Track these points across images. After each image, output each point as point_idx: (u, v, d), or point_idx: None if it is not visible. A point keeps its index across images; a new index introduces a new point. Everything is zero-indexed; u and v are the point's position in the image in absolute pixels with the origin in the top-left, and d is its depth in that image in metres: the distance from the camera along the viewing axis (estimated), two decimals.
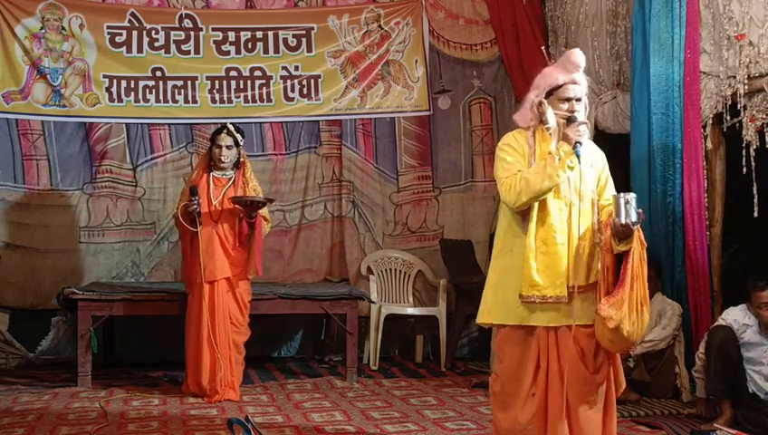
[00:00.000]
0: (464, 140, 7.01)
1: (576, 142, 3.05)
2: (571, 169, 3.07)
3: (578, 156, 3.04)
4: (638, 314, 3.00)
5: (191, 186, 5.12)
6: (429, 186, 6.97)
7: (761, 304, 4.30)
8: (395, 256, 6.80)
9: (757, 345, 4.36)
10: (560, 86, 3.14)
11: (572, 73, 3.15)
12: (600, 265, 3.09)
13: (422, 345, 6.67)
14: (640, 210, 3.01)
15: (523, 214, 3.16)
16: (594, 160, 3.25)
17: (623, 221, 2.95)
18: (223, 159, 5.18)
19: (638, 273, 3.01)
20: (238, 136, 5.24)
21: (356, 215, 6.84)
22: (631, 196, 3.00)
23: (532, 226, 3.11)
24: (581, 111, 3.15)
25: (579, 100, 3.14)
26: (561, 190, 3.13)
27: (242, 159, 5.30)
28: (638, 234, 3.02)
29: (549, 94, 3.16)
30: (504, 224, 3.27)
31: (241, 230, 5.16)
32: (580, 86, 3.16)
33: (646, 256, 3.07)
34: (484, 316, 3.30)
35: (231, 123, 5.33)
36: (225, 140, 5.19)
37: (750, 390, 4.37)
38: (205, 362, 4.99)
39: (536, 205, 3.11)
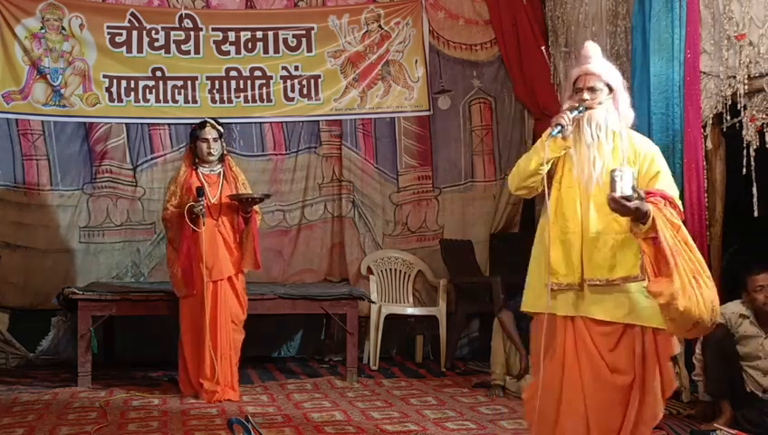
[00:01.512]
0: (464, 139, 7.00)
1: (557, 125, 3.17)
2: (555, 151, 3.20)
3: (553, 136, 3.17)
4: (693, 288, 2.88)
5: (197, 187, 5.08)
6: (429, 186, 6.97)
7: (756, 288, 4.30)
8: (395, 256, 6.80)
9: (753, 338, 4.36)
10: (576, 79, 3.33)
11: (583, 65, 3.31)
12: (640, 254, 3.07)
13: (422, 345, 6.66)
14: (634, 184, 2.96)
15: (541, 200, 3.29)
16: (629, 153, 3.22)
17: (617, 194, 2.91)
18: (212, 151, 5.19)
19: (675, 248, 2.92)
20: (220, 129, 5.27)
21: (356, 215, 6.84)
22: (626, 169, 2.99)
23: (552, 213, 3.23)
24: (597, 98, 3.24)
25: (591, 89, 3.24)
26: (572, 179, 3.22)
27: (224, 153, 5.32)
28: (661, 213, 2.96)
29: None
30: (543, 212, 3.39)
31: (238, 226, 5.18)
32: (593, 75, 3.27)
33: (685, 234, 3.00)
34: (525, 305, 3.37)
35: (209, 119, 5.34)
36: (211, 132, 5.20)
37: (748, 389, 4.37)
38: (207, 362, 4.99)
39: (553, 193, 3.24)
